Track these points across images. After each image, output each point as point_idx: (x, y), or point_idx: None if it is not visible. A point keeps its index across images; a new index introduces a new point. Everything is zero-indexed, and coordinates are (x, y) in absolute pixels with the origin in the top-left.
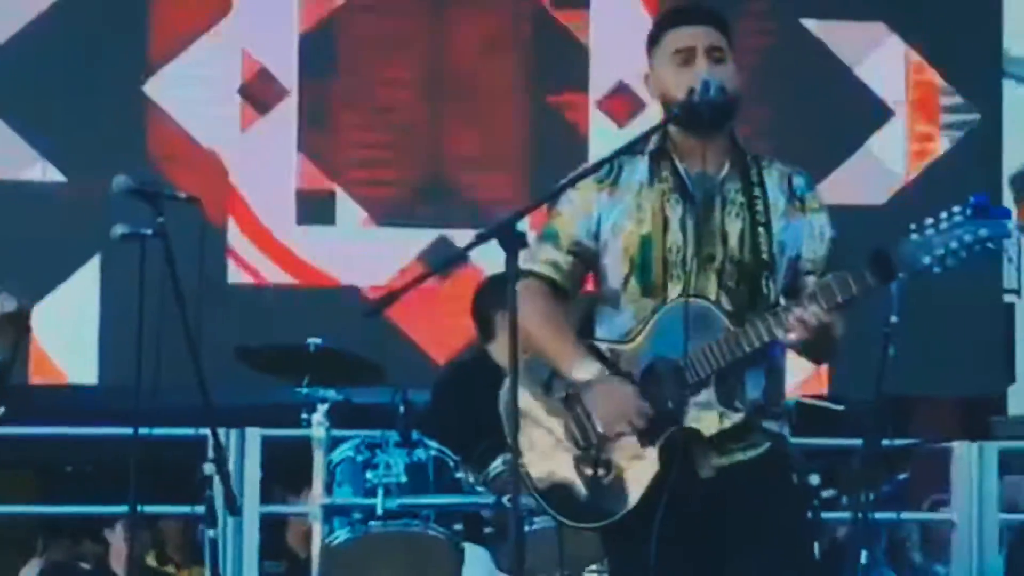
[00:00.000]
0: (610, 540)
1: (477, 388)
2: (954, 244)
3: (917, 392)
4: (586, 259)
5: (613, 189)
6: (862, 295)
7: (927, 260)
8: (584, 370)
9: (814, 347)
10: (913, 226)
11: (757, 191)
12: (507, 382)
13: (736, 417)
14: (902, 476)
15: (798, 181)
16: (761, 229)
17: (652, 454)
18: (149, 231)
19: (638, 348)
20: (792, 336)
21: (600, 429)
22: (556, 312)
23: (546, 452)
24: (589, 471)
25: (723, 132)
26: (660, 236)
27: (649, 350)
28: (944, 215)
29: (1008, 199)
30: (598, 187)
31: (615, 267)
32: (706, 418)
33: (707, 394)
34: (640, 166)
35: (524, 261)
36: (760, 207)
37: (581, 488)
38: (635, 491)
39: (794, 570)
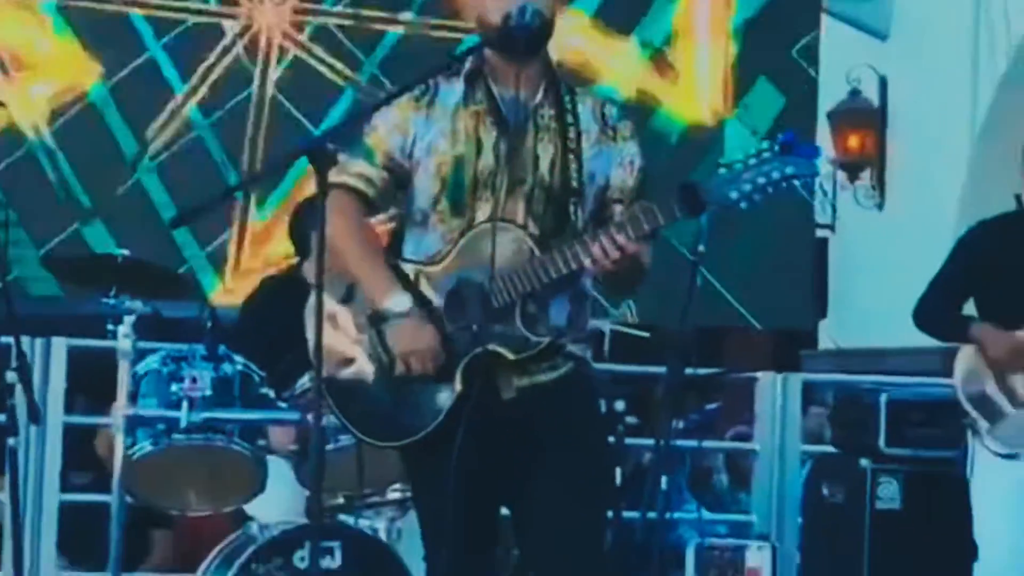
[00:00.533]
0: (411, 460)
1: (286, 305)
2: (761, 180)
3: (727, 323)
4: (398, 176)
5: (429, 109)
6: (668, 226)
7: (734, 195)
8: (392, 301)
9: (618, 278)
10: (723, 161)
11: (570, 118)
12: (312, 297)
13: (539, 342)
14: (711, 406)
15: (611, 110)
16: (571, 156)
17: (456, 376)
18: None
19: (445, 270)
20: (596, 264)
21: (398, 366)
22: (365, 230)
23: (352, 368)
24: (392, 390)
25: (538, 56)
26: (473, 158)
27: (455, 272)
28: (753, 151)
29: (825, 134)
30: (415, 106)
31: (426, 186)
32: (509, 342)
33: (511, 318)
34: (456, 88)
35: (336, 174)
36: (572, 134)
37: (384, 406)
38: (437, 411)
39: (592, 492)
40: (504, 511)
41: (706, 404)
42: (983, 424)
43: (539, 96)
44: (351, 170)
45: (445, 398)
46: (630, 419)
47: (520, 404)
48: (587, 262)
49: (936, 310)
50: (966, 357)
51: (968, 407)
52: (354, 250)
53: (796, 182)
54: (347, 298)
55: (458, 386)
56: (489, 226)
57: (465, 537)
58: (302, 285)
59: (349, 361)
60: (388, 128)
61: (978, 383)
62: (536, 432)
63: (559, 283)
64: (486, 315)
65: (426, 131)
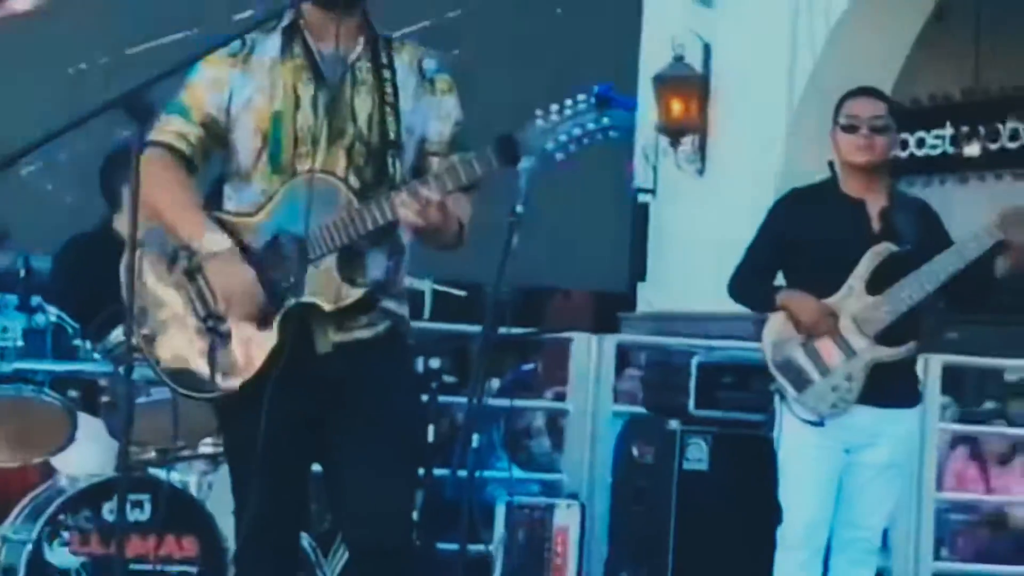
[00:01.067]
0: (224, 412)
1: (100, 258)
2: (577, 131)
3: (545, 284)
4: (215, 133)
5: (246, 65)
6: (485, 175)
7: (550, 145)
8: (209, 242)
9: (431, 232)
10: (539, 111)
11: (387, 72)
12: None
13: (356, 293)
14: (527, 366)
15: (429, 63)
16: (388, 109)
17: (272, 327)
18: None
19: (263, 220)
20: (410, 216)
21: (216, 307)
22: (182, 182)
23: (167, 321)
24: (208, 342)
25: (356, 10)
26: (291, 113)
27: (273, 223)
28: (569, 101)
29: (649, 99)
30: (231, 62)
31: (246, 143)
32: (326, 293)
33: (328, 269)
34: (273, 42)
35: (153, 132)
36: (389, 88)
37: (199, 359)
38: (252, 363)
39: (401, 449)
40: (316, 467)
41: (521, 364)
42: (791, 391)
43: (358, 50)
44: (167, 128)
45: (260, 349)
46: (447, 377)
47: (335, 359)
48: (401, 213)
49: (748, 281)
50: (775, 324)
51: (776, 374)
52: (168, 198)
53: (612, 134)
54: (173, 257)
55: (274, 337)
56: (307, 177)
57: (274, 491)
58: (114, 239)
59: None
60: (205, 85)
61: (786, 350)
62: (349, 389)
63: (376, 235)
64: (303, 266)
65: (243, 87)
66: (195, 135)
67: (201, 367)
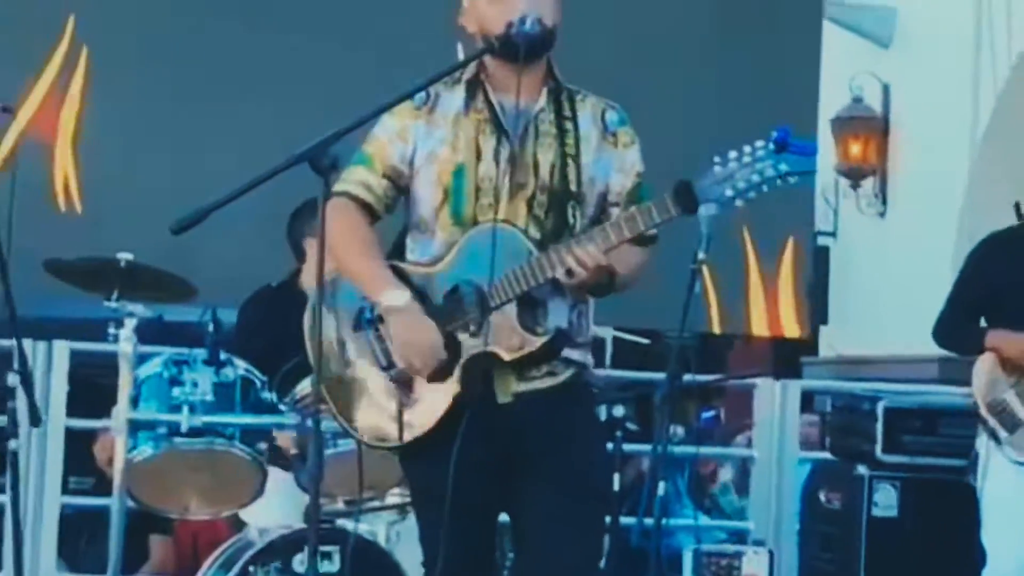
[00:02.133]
0: (409, 462)
1: (284, 311)
2: (756, 177)
3: (728, 330)
4: (399, 185)
5: (430, 117)
6: (664, 223)
7: (729, 192)
8: (390, 296)
9: (586, 286)
10: (717, 158)
11: (569, 124)
12: (311, 302)
13: (535, 343)
14: (708, 413)
15: (611, 116)
16: (571, 160)
17: (453, 376)
18: None
19: (444, 270)
20: (570, 278)
21: (397, 362)
22: (365, 234)
23: (351, 372)
24: (390, 393)
25: (539, 63)
26: (473, 166)
27: (455, 273)
28: (748, 148)
29: (828, 142)
30: (415, 114)
31: (428, 194)
32: (506, 342)
33: (509, 319)
34: (456, 96)
35: (338, 183)
36: (571, 140)
37: (382, 409)
38: (433, 413)
39: (586, 498)
40: (503, 516)
41: (704, 410)
42: (1003, 433)
43: (540, 103)
44: (352, 178)
45: (442, 399)
46: (630, 425)
47: (517, 409)
48: (559, 273)
49: (955, 327)
50: (985, 366)
51: (987, 415)
52: (352, 251)
53: (791, 179)
54: (358, 312)
55: (455, 387)
56: (488, 227)
57: (462, 542)
58: (300, 292)
59: (349, 363)
60: (389, 136)
61: (997, 391)
62: (532, 438)
63: (555, 284)
64: (484, 315)
65: (427, 139)
66: (380, 186)
67: (384, 418)
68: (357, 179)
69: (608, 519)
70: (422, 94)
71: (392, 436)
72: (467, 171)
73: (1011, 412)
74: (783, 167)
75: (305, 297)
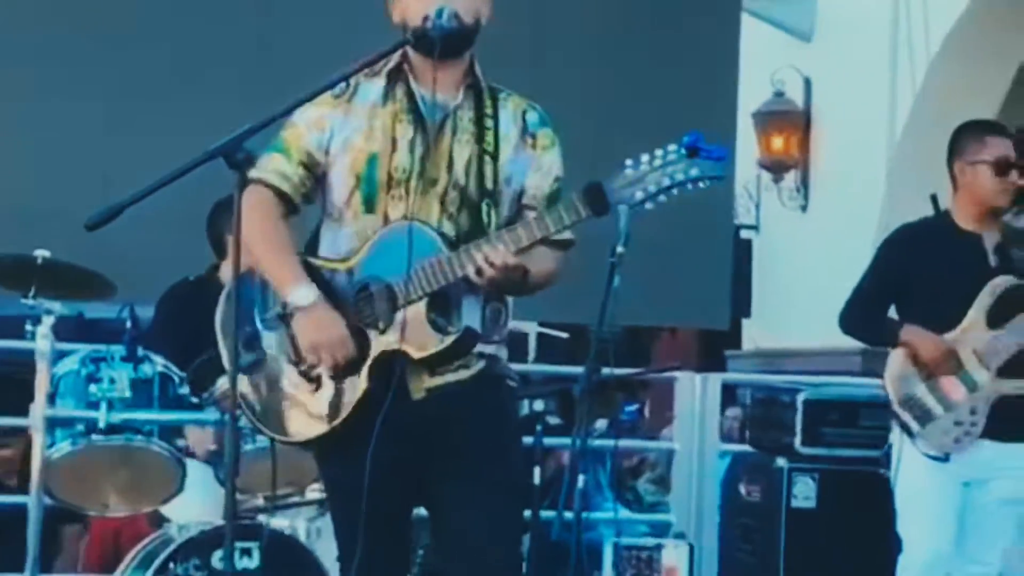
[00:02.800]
0: (323, 459)
1: (202, 304)
2: (666, 181)
3: (647, 323)
4: (315, 173)
5: (348, 106)
6: (574, 225)
7: (640, 195)
8: (297, 295)
9: (502, 286)
10: (628, 160)
11: (489, 122)
12: (223, 297)
13: (445, 341)
14: (631, 406)
15: (532, 117)
16: (488, 158)
17: (362, 373)
18: None
19: (354, 266)
20: (480, 276)
21: (307, 358)
22: (278, 227)
23: (261, 366)
24: (300, 387)
25: (459, 59)
26: (387, 155)
27: (365, 269)
28: (659, 152)
29: (750, 135)
30: (333, 103)
31: (341, 182)
32: (415, 340)
33: (419, 317)
34: (375, 86)
35: (254, 170)
36: (490, 138)
37: (291, 404)
38: (341, 409)
39: (505, 493)
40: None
41: (626, 404)
42: (914, 426)
43: (459, 98)
44: (268, 167)
45: (350, 395)
46: (552, 419)
47: (430, 405)
48: (470, 271)
49: (863, 315)
50: (896, 360)
51: (899, 410)
52: (263, 246)
53: (701, 184)
54: (263, 299)
55: (363, 383)
56: (400, 224)
57: (377, 538)
58: (218, 286)
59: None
60: (306, 125)
61: (909, 385)
62: (448, 433)
63: (467, 283)
64: (391, 313)
65: (343, 128)
66: (296, 174)
67: (294, 412)
68: (274, 167)
69: (528, 513)
70: (341, 84)
71: (302, 433)
72: (380, 160)
73: (922, 406)
74: (694, 171)
75: (221, 291)
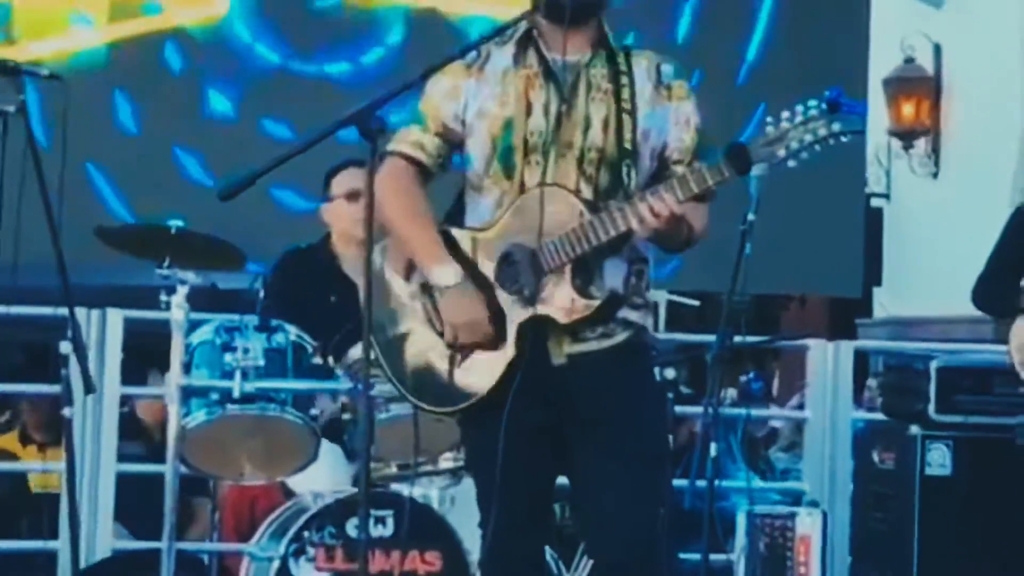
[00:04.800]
0: (466, 426)
1: (314, 273)
2: (808, 137)
3: (778, 291)
4: (452, 142)
5: (480, 74)
6: (718, 186)
7: (781, 152)
8: (439, 274)
9: (665, 238)
10: (769, 119)
11: (624, 79)
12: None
13: (591, 305)
14: (752, 374)
15: (666, 68)
16: (625, 116)
17: (508, 340)
18: (11, 108)
19: (497, 235)
20: (643, 226)
21: (447, 336)
22: (418, 200)
23: (405, 336)
24: (447, 356)
25: (589, 25)
26: (522, 119)
27: (507, 237)
28: (800, 108)
29: (880, 103)
30: (466, 71)
31: (479, 150)
32: (561, 305)
33: (563, 282)
34: (506, 53)
35: (391, 143)
36: (626, 95)
37: (438, 373)
38: (489, 377)
39: (642, 464)
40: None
41: (757, 372)
42: None
43: (589, 57)
44: (405, 138)
45: (498, 363)
46: (684, 388)
47: (570, 371)
48: (634, 223)
49: (992, 287)
50: (1020, 327)
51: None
52: (403, 220)
53: (843, 139)
54: (408, 268)
55: (511, 351)
56: (537, 191)
57: (517, 504)
58: (330, 254)
59: (405, 327)
60: (441, 95)
61: None
62: (588, 401)
63: (611, 246)
64: (537, 279)
65: (477, 95)
66: (432, 144)
67: (440, 382)
68: (411, 139)
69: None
70: (473, 53)
71: (447, 400)
72: (516, 125)
73: None
74: (836, 126)
75: (335, 260)
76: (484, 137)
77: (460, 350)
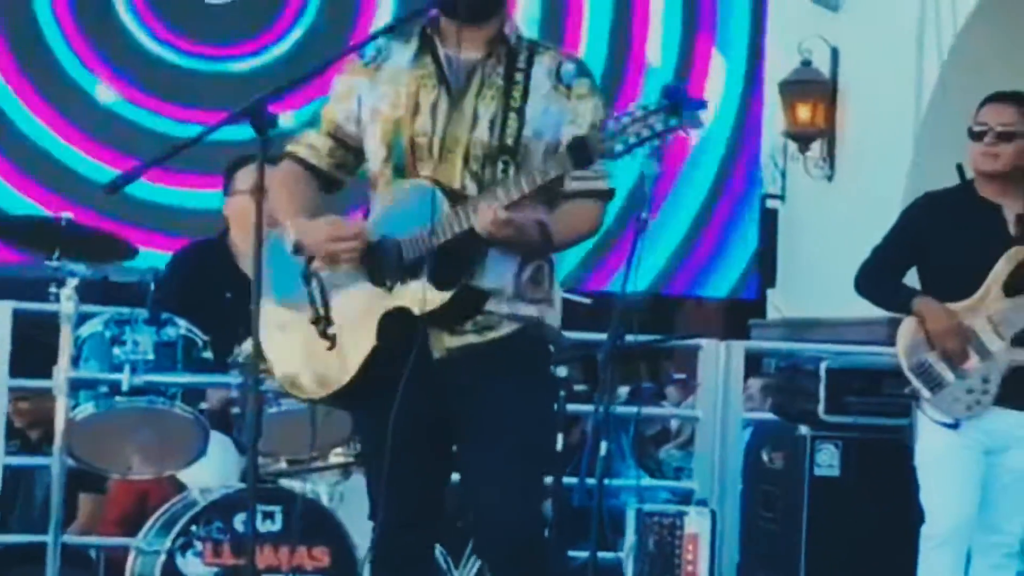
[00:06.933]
0: (359, 417)
1: (211, 269)
2: (646, 132)
3: (674, 291)
4: (345, 143)
5: (376, 73)
6: (560, 176)
7: (619, 147)
8: (297, 224)
9: (506, 240)
10: (614, 114)
11: (519, 76)
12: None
13: (442, 297)
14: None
15: (568, 67)
16: (511, 114)
17: (370, 328)
18: None
19: (371, 227)
20: (481, 224)
21: (320, 257)
22: (302, 196)
23: (286, 328)
24: (319, 345)
25: (488, 23)
26: (409, 120)
27: (379, 229)
28: (641, 104)
29: (776, 105)
30: (362, 71)
31: (373, 151)
32: (414, 298)
33: (421, 274)
34: (408, 50)
35: (289, 144)
36: (516, 93)
37: (313, 363)
38: (352, 365)
39: (521, 454)
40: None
41: (655, 372)
42: (925, 393)
43: (484, 54)
44: (301, 140)
45: (360, 353)
46: (577, 386)
47: (451, 365)
48: (474, 221)
49: (878, 278)
50: (908, 327)
51: (911, 376)
52: (283, 210)
53: (682, 132)
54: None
55: (371, 340)
56: (408, 184)
57: (407, 497)
58: (227, 250)
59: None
60: (336, 96)
61: (920, 353)
62: (468, 395)
63: (474, 240)
64: (398, 270)
65: (370, 96)
66: (325, 145)
67: (306, 372)
68: (305, 141)
69: (550, 479)
70: (372, 50)
71: (317, 391)
72: (403, 125)
73: (933, 373)
74: (673, 121)
75: (232, 257)
76: (377, 138)
77: (332, 336)
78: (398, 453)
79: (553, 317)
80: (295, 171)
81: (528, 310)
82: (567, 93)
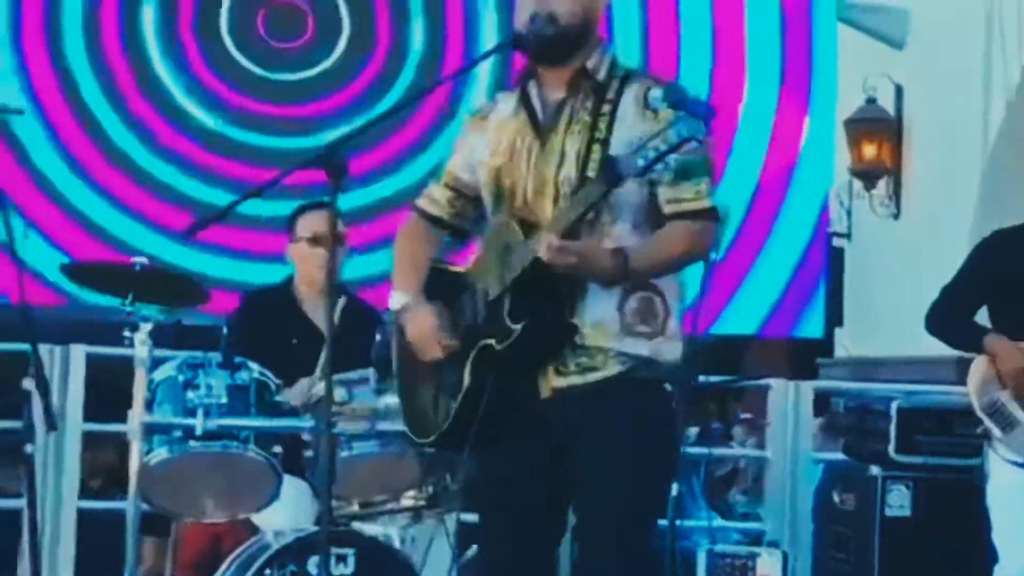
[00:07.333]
0: (465, 459)
1: (275, 314)
2: (663, 146)
3: (741, 331)
4: (464, 193)
5: (483, 123)
6: (598, 198)
7: (640, 163)
8: (394, 300)
9: (572, 270)
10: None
11: (606, 108)
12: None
13: (513, 334)
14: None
15: (655, 93)
16: (596, 146)
17: (466, 370)
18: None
19: (467, 270)
20: (542, 255)
21: (416, 356)
22: (417, 245)
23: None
24: (420, 390)
25: (570, 62)
26: (508, 167)
27: (473, 271)
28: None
29: (842, 143)
30: (472, 123)
31: (484, 199)
32: (497, 334)
33: (503, 311)
34: (511, 99)
35: (417, 197)
36: (603, 124)
37: (418, 408)
38: (452, 407)
39: (619, 506)
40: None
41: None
42: (996, 432)
43: (568, 92)
44: (426, 193)
45: (457, 395)
46: None
47: (555, 405)
48: (540, 251)
49: (949, 317)
50: (980, 367)
51: (982, 415)
52: (396, 262)
53: (694, 142)
54: None
55: (466, 380)
56: (493, 223)
57: (513, 537)
58: (292, 296)
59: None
60: (457, 147)
61: (992, 392)
62: (572, 437)
63: (547, 272)
64: (484, 309)
65: (480, 146)
66: (444, 196)
67: (420, 416)
68: (428, 194)
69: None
70: (486, 101)
71: (424, 433)
72: (503, 173)
73: (1005, 412)
74: (684, 131)
75: (296, 303)
76: (486, 186)
77: (433, 381)
78: (506, 494)
79: (671, 351)
80: (415, 226)
81: (637, 347)
82: (654, 117)
